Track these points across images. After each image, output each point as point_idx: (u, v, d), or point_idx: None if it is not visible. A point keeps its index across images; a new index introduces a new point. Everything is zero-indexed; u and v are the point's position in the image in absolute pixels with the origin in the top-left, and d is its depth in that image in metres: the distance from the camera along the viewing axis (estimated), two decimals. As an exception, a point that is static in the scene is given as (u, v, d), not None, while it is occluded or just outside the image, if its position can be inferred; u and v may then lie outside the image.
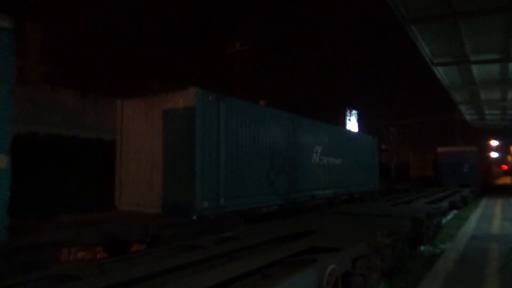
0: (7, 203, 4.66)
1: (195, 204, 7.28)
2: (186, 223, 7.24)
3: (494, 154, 46.75)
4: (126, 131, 8.66)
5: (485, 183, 29.17)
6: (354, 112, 39.17)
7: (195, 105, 7.49)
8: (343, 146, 13.91)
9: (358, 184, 15.10)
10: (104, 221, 6.80)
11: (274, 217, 9.09)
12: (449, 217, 13.99)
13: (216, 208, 7.80)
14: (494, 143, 41.00)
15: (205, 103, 7.74)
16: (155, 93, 8.81)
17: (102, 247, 6.54)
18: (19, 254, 4.74)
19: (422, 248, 8.29)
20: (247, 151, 8.83)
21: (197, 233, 6.94)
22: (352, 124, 38.00)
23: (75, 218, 6.74)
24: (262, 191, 9.21)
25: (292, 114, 10.89)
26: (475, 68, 10.81)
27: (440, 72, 11.31)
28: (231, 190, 8.19)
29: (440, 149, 26.82)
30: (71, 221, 6.58)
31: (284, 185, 10.04)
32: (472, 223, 11.23)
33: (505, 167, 60.31)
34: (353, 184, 14.50)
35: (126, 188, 8.50)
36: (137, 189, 8.27)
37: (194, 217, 7.32)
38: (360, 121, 39.64)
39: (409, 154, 31.54)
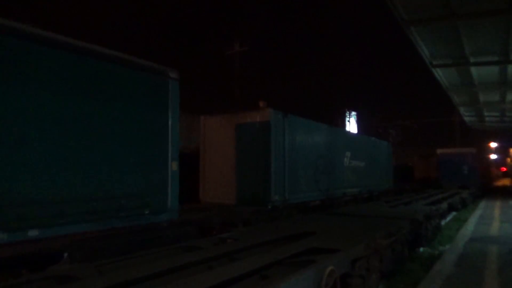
0: (177, 193, 6.57)
1: (271, 197, 9.66)
2: (264, 210, 9.54)
3: (493, 156, 46.85)
4: (207, 140, 10.81)
5: (484, 185, 29.20)
6: (353, 113, 39.25)
7: (269, 121, 9.78)
8: (365, 151, 16.17)
9: (376, 184, 17.31)
10: (207, 209, 8.84)
11: (318, 209, 11.52)
12: (448, 218, 14.01)
13: (283, 200, 10.12)
14: (493, 145, 41.08)
15: (276, 119, 10.01)
16: (230, 112, 11.02)
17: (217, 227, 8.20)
18: (182, 227, 6.94)
19: (421, 249, 8.29)
20: (301, 157, 11.09)
21: (271, 218, 9.34)
22: (351, 125, 38.06)
23: (182, 206, 7.47)
24: (310, 188, 11.49)
25: (329, 126, 13.56)
26: (474, 70, 10.83)
27: (439, 73, 11.32)
28: (291, 187, 10.43)
29: (439, 151, 26.87)
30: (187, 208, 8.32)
31: (325, 183, 12.26)
32: (471, 225, 11.24)
33: (504, 169, 60.47)
34: (372, 184, 16.72)
35: (208, 185, 10.68)
36: (216, 185, 10.46)
37: (269, 207, 9.68)
38: (359, 122, 39.73)
39: (414, 156, 31.72)
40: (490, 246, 7.83)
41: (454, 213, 15.50)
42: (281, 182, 10.01)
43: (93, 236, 5.44)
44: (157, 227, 6.35)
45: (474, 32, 8.22)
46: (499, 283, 5.25)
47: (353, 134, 16.63)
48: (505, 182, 47.94)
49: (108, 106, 5.68)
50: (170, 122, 6.60)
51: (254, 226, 7.85)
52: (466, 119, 20.63)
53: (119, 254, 4.62)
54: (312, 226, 6.39)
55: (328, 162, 12.58)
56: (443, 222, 11.98)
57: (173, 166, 6.61)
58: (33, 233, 4.65)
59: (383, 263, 5.48)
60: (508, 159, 46.57)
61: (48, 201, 4.80)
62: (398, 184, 22.23)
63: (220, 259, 4.26)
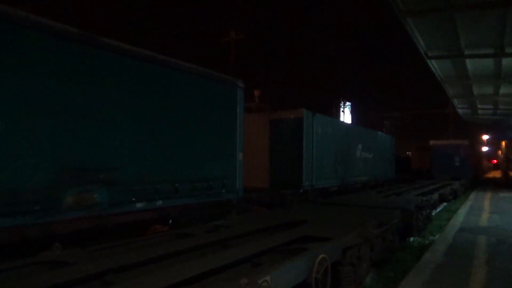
0: (242, 177, 8.45)
1: (302, 182, 11.47)
2: (297, 193, 11.33)
3: (485, 148, 47.28)
4: (247, 134, 11.51)
5: (475, 177, 29.52)
6: (348, 104, 39.25)
7: (303, 117, 11.60)
8: (373, 144, 18.15)
9: (381, 173, 19.41)
10: (249, 191, 9.79)
11: (336, 193, 13.38)
12: (439, 209, 14.18)
13: (311, 185, 11.92)
14: (485, 137, 41.42)
15: (307, 117, 11.80)
16: (266, 111, 13.57)
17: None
18: (243, 204, 8.93)
19: (411, 239, 8.40)
20: (324, 149, 12.84)
21: (302, 200, 11.15)
22: (345, 116, 38.09)
23: None
24: (330, 176, 13.32)
25: (345, 122, 16.60)
26: (469, 62, 10.85)
27: (434, 65, 11.33)
28: (317, 174, 12.24)
29: (432, 142, 27.04)
30: None
31: (341, 172, 14.15)
32: (461, 215, 11.39)
33: (495, 161, 61.11)
34: (378, 173, 18.79)
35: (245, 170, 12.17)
36: (250, 171, 11.10)
37: (301, 190, 11.45)
38: (353, 113, 39.77)
39: (412, 147, 32.14)
40: (479, 237, 7.95)
41: (445, 204, 15.69)
42: (309, 170, 11.83)
43: (192, 207, 7.29)
44: (229, 203, 8.17)
45: (470, 24, 8.21)
46: (487, 272, 5.34)
47: (363, 129, 18.60)
48: (496, 174, 48.51)
49: (204, 112, 7.56)
50: (238, 121, 8.44)
51: (246, 214, 7.90)
52: (460, 111, 20.74)
53: (207, 221, 6.15)
54: (305, 215, 6.43)
55: (344, 154, 14.44)
56: (433, 213, 12.13)
57: (240, 156, 8.46)
58: (159, 203, 6.52)
59: (374, 252, 5.56)
60: (499, 152, 47.02)
61: (170, 180, 6.69)
62: (397, 174, 23.01)
63: (213, 246, 4.29)
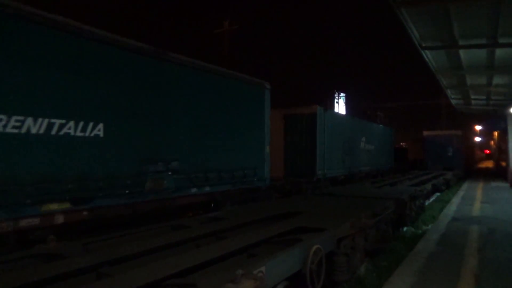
0: (269, 167, 9.81)
1: (316, 172, 12.79)
2: (311, 182, 12.67)
3: (477, 139, 47.66)
4: None
5: (468, 167, 29.80)
6: (342, 95, 39.29)
7: (316, 113, 12.94)
8: (375, 137, 19.61)
9: (382, 164, 20.93)
10: (273, 180, 11.06)
11: (344, 182, 14.65)
12: (432, 199, 14.33)
13: (323, 174, 13.17)
14: (478, 128, 41.73)
15: (320, 112, 13.13)
16: (281, 107, 13.56)
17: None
18: (269, 191, 10.15)
19: (404, 229, 8.49)
20: (334, 141, 14.19)
21: (314, 187, 12.26)
22: (340, 107, 38.14)
23: None
24: (338, 166, 14.69)
25: (351, 116, 18.70)
26: (462, 53, 10.85)
27: (428, 56, 11.32)
28: (328, 164, 13.58)
29: (426, 133, 27.21)
30: None
31: (348, 162, 15.57)
32: (453, 205, 11.52)
33: (487, 151, 61.67)
34: (379, 164, 20.28)
35: None
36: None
37: (314, 179, 12.72)
38: (348, 104, 39.83)
39: (407, 138, 32.57)
40: (471, 226, 8.06)
41: (437, 194, 15.85)
42: (322, 160, 13.11)
43: (231, 192, 8.65)
44: (259, 189, 9.58)
45: (464, 14, 8.19)
46: (478, 261, 5.43)
47: (367, 122, 20.27)
48: (488, 164, 49.01)
49: (241, 110, 8.97)
50: (266, 118, 9.85)
51: (241, 206, 7.92)
52: (453, 101, 20.83)
53: (244, 203, 8.32)
54: (299, 206, 6.46)
55: (350, 146, 15.86)
56: (426, 203, 12.25)
57: (267, 149, 9.82)
58: (207, 189, 7.86)
59: (368, 242, 5.61)
60: (492, 142, 47.41)
61: (216, 170, 8.06)
62: (395, 164, 24.15)
63: (208, 238, 4.29)
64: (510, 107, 17.20)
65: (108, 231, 4.72)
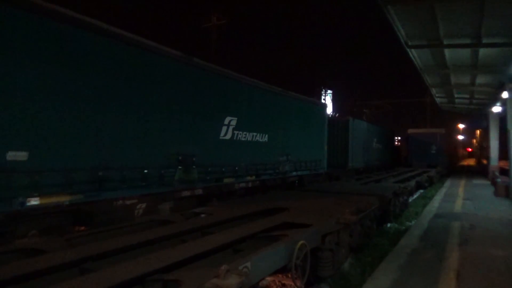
0: (326, 160, 14.13)
1: (348, 164, 17.06)
2: (344, 171, 16.73)
3: (460, 137, 48.58)
4: None
5: (451, 164, 30.36)
6: (329, 92, 39.51)
7: (349, 120, 17.53)
8: (382, 137, 24.00)
9: (386, 160, 24.92)
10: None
11: (363, 172, 18.35)
12: (415, 196, 14.57)
13: (352, 166, 17.36)
14: (461, 126, 42.52)
15: (351, 120, 17.63)
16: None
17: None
18: (323, 176, 14.14)
19: (388, 225, 8.61)
20: (357, 142, 18.38)
21: (348, 176, 15.79)
22: (327, 103, 38.35)
23: None
24: (360, 160, 18.89)
25: (367, 122, 22.06)
26: (447, 52, 11.03)
27: (414, 54, 11.47)
28: (354, 159, 17.74)
29: (410, 131, 27.60)
30: None
31: (365, 157, 19.90)
32: (436, 202, 11.73)
33: (469, 149, 62.91)
34: (384, 159, 24.47)
35: None
36: None
37: (347, 169, 16.90)
38: (334, 101, 40.09)
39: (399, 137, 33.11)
40: (453, 222, 8.22)
41: (421, 191, 16.12)
42: (351, 156, 17.27)
43: (307, 176, 12.54)
44: (320, 175, 13.66)
45: (449, 14, 8.31)
46: (459, 256, 5.55)
47: (378, 126, 24.32)
48: (470, 162, 50.05)
49: (312, 121, 13.12)
50: (325, 126, 14.15)
51: (227, 201, 7.90)
52: (438, 100, 21.16)
53: (313, 184, 12.17)
54: (285, 202, 6.48)
55: (367, 145, 20.24)
56: (410, 199, 12.45)
57: (325, 147, 14.01)
58: (298, 173, 11.99)
59: (352, 238, 5.67)
60: (474, 140, 48.39)
61: (304, 161, 12.21)
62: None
63: (193, 233, 4.27)
64: (492, 107, 17.56)
65: (265, 192, 9.41)
